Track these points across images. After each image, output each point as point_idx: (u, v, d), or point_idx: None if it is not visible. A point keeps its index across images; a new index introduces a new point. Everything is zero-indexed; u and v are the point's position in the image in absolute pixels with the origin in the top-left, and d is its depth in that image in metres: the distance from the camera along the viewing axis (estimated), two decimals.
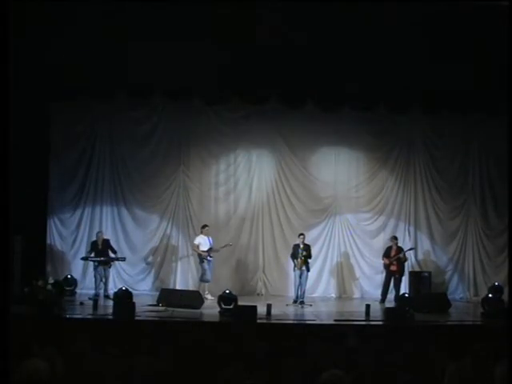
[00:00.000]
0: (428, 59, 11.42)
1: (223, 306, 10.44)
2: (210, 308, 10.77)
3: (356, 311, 11.39)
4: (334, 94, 12.10)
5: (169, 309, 10.78)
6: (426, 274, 13.44)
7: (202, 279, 12.67)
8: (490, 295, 11.92)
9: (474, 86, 11.74)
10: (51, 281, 11.69)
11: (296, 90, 11.91)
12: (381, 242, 13.79)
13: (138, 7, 10.90)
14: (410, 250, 13.33)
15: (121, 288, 11.37)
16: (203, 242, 12.68)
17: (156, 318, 10.10)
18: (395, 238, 13.22)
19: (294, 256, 12.37)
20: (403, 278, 13.19)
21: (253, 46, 11.25)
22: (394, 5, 10.94)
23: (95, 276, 12.34)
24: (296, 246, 12.39)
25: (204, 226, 12.90)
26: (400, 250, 13.03)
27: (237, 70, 11.46)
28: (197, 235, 12.97)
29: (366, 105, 12.67)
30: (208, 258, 12.57)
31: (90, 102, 12.77)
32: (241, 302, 10.51)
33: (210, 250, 12.59)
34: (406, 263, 13.20)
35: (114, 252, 12.60)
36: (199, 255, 12.69)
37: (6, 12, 4.00)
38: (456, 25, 11.23)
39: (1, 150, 3.97)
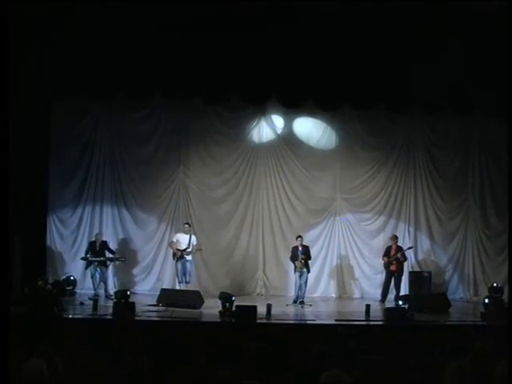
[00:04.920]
0: (428, 59, 11.43)
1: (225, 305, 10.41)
2: (210, 308, 10.76)
3: (356, 311, 11.39)
4: (334, 94, 12.12)
5: (169, 309, 10.78)
6: (426, 274, 13.42)
7: (178, 280, 12.51)
8: (490, 295, 11.92)
9: (474, 85, 11.76)
10: (51, 281, 11.69)
11: (296, 89, 11.91)
12: (381, 242, 13.77)
13: (138, 6, 10.90)
14: (409, 248, 13.31)
15: (121, 288, 11.34)
16: (182, 240, 12.60)
17: (156, 318, 10.11)
18: (395, 237, 13.21)
19: (293, 258, 12.36)
20: (403, 278, 13.18)
21: (253, 46, 11.26)
22: (394, 4, 10.94)
23: (92, 277, 12.37)
24: (295, 249, 12.37)
25: (184, 224, 12.86)
26: (400, 249, 13.04)
27: (237, 69, 11.47)
28: (187, 234, 12.79)
29: (366, 104, 12.68)
30: (185, 256, 12.43)
31: (90, 102, 12.80)
32: (241, 302, 10.50)
33: (184, 250, 12.46)
34: (405, 263, 13.18)
35: (113, 253, 12.62)
36: (173, 253, 12.66)
37: (6, 12, 4.00)
38: (456, 25, 11.23)
39: (1, 149, 3.98)
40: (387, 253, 13.09)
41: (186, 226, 12.77)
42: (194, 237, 12.68)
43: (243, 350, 6.30)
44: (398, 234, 13.52)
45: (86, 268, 12.49)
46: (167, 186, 13.71)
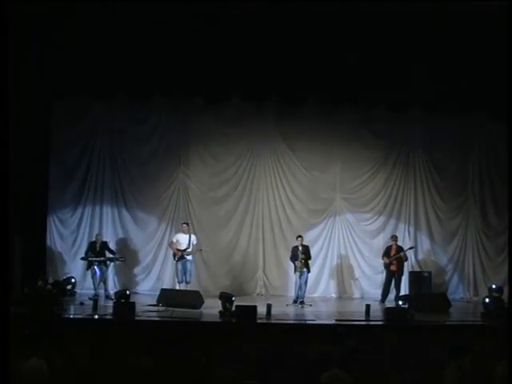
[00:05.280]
0: (428, 59, 11.43)
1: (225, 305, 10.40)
2: (210, 308, 10.75)
3: (356, 311, 11.38)
4: (334, 94, 12.12)
5: (169, 309, 10.78)
6: (426, 274, 13.42)
7: (178, 280, 12.52)
8: (490, 295, 11.92)
9: (474, 86, 11.75)
10: (51, 281, 11.69)
11: (296, 89, 11.91)
12: (381, 241, 13.77)
13: (138, 6, 10.90)
14: (410, 248, 13.32)
15: (121, 288, 11.33)
16: (182, 241, 12.58)
17: (156, 318, 10.10)
18: (395, 237, 13.22)
19: (293, 258, 12.36)
20: (403, 278, 13.19)
21: (253, 46, 11.26)
22: (394, 4, 10.94)
23: (93, 277, 12.38)
24: (295, 249, 12.37)
25: (182, 224, 12.87)
26: (400, 249, 13.05)
27: (237, 69, 11.47)
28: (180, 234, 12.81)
29: (366, 104, 12.68)
30: (186, 256, 12.43)
31: (89, 102, 12.80)
32: (241, 302, 10.50)
33: (184, 250, 12.45)
34: (405, 262, 13.19)
35: (113, 253, 12.63)
36: (173, 254, 12.64)
37: (6, 12, 4.00)
38: (456, 24, 11.23)
39: (1, 149, 3.98)
40: (387, 252, 13.10)
41: (184, 225, 12.77)
42: (193, 236, 12.68)
43: (243, 350, 6.30)
44: (398, 234, 13.52)
45: (88, 268, 12.48)
46: (167, 186, 13.71)
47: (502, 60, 9.94)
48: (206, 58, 11.26)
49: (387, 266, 13.04)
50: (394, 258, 12.95)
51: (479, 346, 5.98)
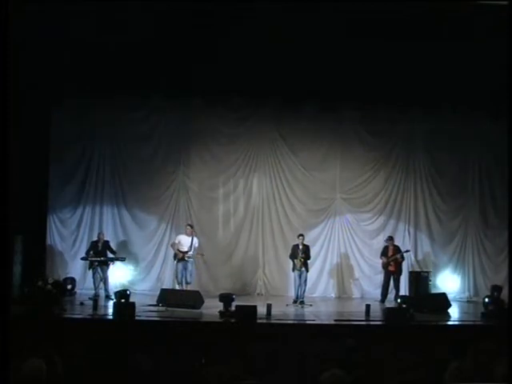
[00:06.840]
0: (428, 59, 11.43)
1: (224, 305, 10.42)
2: (210, 308, 10.76)
3: (356, 311, 11.39)
4: (334, 94, 12.13)
5: (169, 309, 10.78)
6: (426, 274, 13.44)
7: (177, 281, 12.49)
8: (490, 295, 11.92)
9: (474, 86, 11.76)
10: (51, 281, 11.70)
11: (296, 89, 11.92)
12: (381, 242, 13.76)
13: (138, 6, 10.89)
14: (406, 252, 13.25)
15: (121, 288, 11.33)
16: (184, 242, 12.54)
17: (156, 318, 10.11)
18: (391, 239, 13.24)
19: (292, 256, 12.37)
20: (402, 278, 13.21)
21: (252, 46, 11.26)
22: (394, 4, 10.93)
23: (94, 276, 12.37)
24: (295, 247, 12.39)
25: (186, 226, 12.83)
26: (397, 249, 13.04)
27: (236, 69, 11.47)
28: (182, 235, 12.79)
29: (365, 104, 12.69)
30: (186, 258, 12.39)
31: (90, 101, 12.81)
32: (241, 302, 10.50)
33: (186, 252, 12.38)
34: (403, 262, 13.19)
35: (114, 253, 12.62)
36: (175, 254, 12.62)
37: (6, 12, 4.00)
38: (456, 24, 11.23)
39: (1, 150, 3.97)
40: (384, 253, 13.10)
41: (188, 227, 12.71)
42: (195, 239, 12.61)
43: (243, 350, 6.30)
44: (398, 234, 13.60)
45: (90, 268, 12.48)
46: (167, 186, 13.72)
47: (501, 60, 9.94)
48: (206, 58, 11.26)
49: (385, 266, 13.06)
50: (391, 258, 12.97)
51: (479, 345, 5.97)
